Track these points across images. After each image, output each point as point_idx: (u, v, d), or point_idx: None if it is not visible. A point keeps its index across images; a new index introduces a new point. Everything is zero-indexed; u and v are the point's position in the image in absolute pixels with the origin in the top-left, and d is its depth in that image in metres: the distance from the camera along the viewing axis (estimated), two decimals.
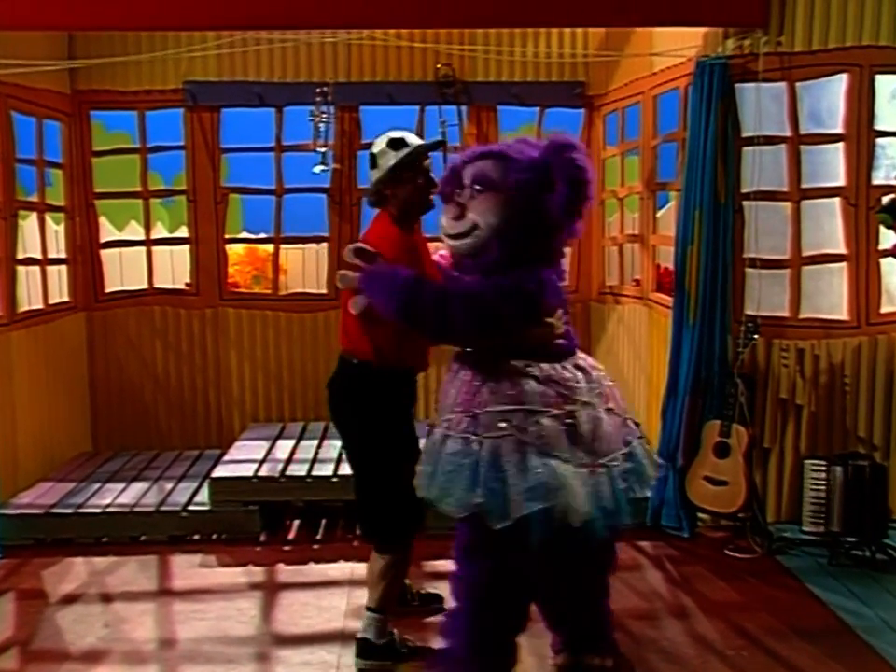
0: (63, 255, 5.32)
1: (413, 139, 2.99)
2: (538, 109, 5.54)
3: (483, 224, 2.67)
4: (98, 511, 4.24)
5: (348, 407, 3.01)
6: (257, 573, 3.91)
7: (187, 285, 5.65)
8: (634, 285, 5.37)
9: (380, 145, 2.95)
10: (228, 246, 5.89)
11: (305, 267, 6.71)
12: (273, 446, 4.86)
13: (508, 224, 2.66)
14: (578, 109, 5.59)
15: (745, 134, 4.16)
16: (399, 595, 3.23)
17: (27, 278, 5.10)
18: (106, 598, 3.64)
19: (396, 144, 2.93)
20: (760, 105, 4.10)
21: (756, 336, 4.11)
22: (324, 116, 5.34)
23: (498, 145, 3.02)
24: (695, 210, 4.15)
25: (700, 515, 4.27)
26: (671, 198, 5.58)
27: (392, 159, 2.91)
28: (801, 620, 3.38)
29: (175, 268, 6.15)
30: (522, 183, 2.68)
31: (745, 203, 4.18)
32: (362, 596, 3.49)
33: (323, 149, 5.34)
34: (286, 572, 3.91)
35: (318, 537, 4.33)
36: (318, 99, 5.28)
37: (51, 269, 5.23)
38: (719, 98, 4.09)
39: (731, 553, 4.00)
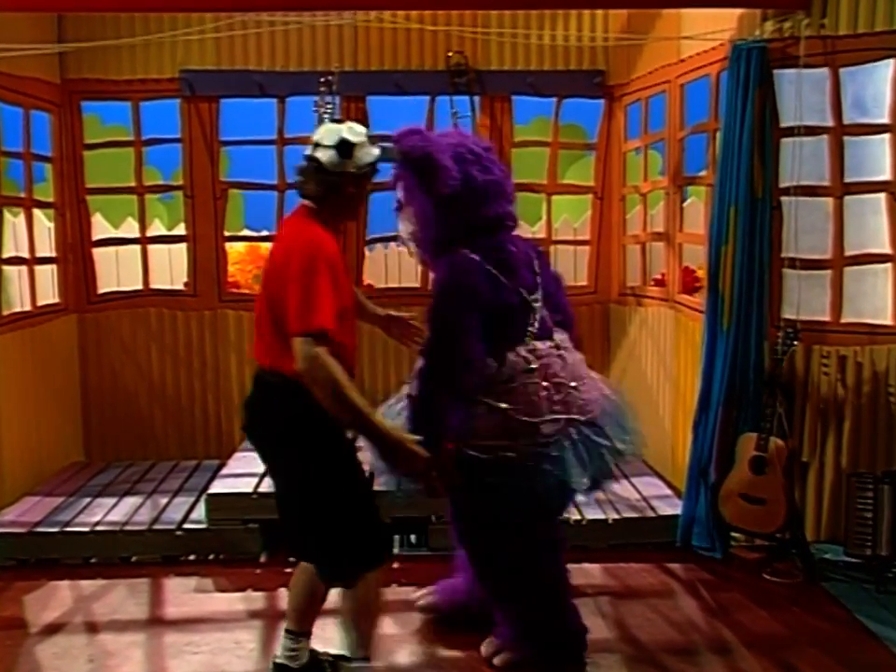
0: (53, 253, 5.04)
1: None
2: (554, 100, 5.24)
3: (408, 236, 2.95)
4: (86, 529, 3.96)
5: (281, 429, 2.60)
6: (257, 599, 3.62)
7: (185, 285, 5.36)
8: (652, 284, 5.08)
9: (358, 136, 2.63)
10: (228, 244, 5.62)
11: None
12: None
13: (419, 227, 2.88)
14: (597, 100, 5.28)
15: (784, 124, 3.86)
16: None
17: (18, 278, 4.83)
18: (92, 628, 3.36)
19: (372, 140, 2.68)
20: (800, 93, 3.79)
21: (796, 342, 3.81)
22: (329, 107, 5.03)
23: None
24: (730, 207, 3.84)
25: (733, 535, 3.97)
26: (690, 193, 5.30)
27: (370, 157, 2.64)
28: (852, 655, 3.09)
29: (173, 267, 5.86)
30: (411, 190, 2.86)
31: (783, 198, 3.88)
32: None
33: None
34: (286, 598, 3.61)
35: None
36: (323, 89, 4.95)
37: (42, 268, 4.95)
38: (756, 85, 3.78)
39: (769, 578, 3.70)
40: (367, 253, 5.34)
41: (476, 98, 5.16)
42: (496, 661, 2.99)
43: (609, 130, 5.28)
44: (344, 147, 2.59)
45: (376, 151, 2.66)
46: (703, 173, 4.48)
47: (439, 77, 5.09)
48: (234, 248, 6.59)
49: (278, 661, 2.82)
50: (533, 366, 2.78)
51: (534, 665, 2.95)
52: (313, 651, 2.87)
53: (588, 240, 5.40)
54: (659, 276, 5.13)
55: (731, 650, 3.14)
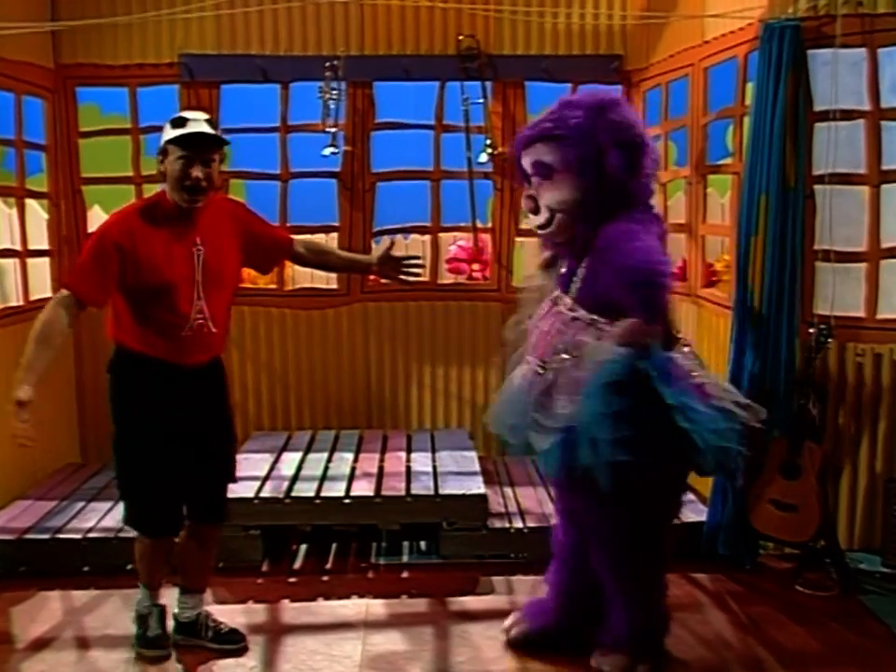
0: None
1: (198, 118, 2.86)
2: (569, 86, 4.99)
3: (559, 208, 2.77)
4: (79, 536, 3.74)
5: (111, 389, 2.99)
6: (257, 612, 3.41)
7: None
8: None
9: (166, 130, 2.84)
10: None
11: None
12: (277, 460, 4.36)
13: (581, 200, 2.74)
14: (614, 85, 5.03)
15: (818, 108, 3.63)
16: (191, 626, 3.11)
17: (14, 271, 4.62)
18: (83, 643, 3.15)
19: (178, 122, 2.82)
20: (835, 75, 3.57)
21: (829, 339, 3.59)
22: (334, 93, 4.85)
23: (545, 118, 2.87)
24: (760, 195, 3.62)
25: (762, 543, 3.76)
26: (708, 183, 5.05)
27: (165, 135, 2.82)
28: None
29: None
30: (573, 160, 2.73)
31: (817, 187, 3.66)
32: (380, 643, 3.05)
33: (333, 130, 4.84)
34: (291, 611, 3.41)
35: (328, 566, 3.83)
36: (328, 74, 4.76)
37: (37, 262, 4.75)
38: (788, 67, 3.55)
39: (802, 590, 3.49)
40: (374, 246, 5.13)
41: (488, 84, 4.94)
42: (606, 667, 2.84)
43: None
44: (160, 147, 2.85)
45: (176, 132, 2.79)
46: (728, 160, 4.25)
47: (449, 62, 4.87)
48: None
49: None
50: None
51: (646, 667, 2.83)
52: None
53: None
54: (676, 270, 4.90)
55: (765, 668, 2.92)
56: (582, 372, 2.64)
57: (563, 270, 2.93)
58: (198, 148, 2.78)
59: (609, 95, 2.88)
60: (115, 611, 3.37)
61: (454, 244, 6.25)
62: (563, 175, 2.74)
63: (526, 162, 2.84)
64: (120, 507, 3.99)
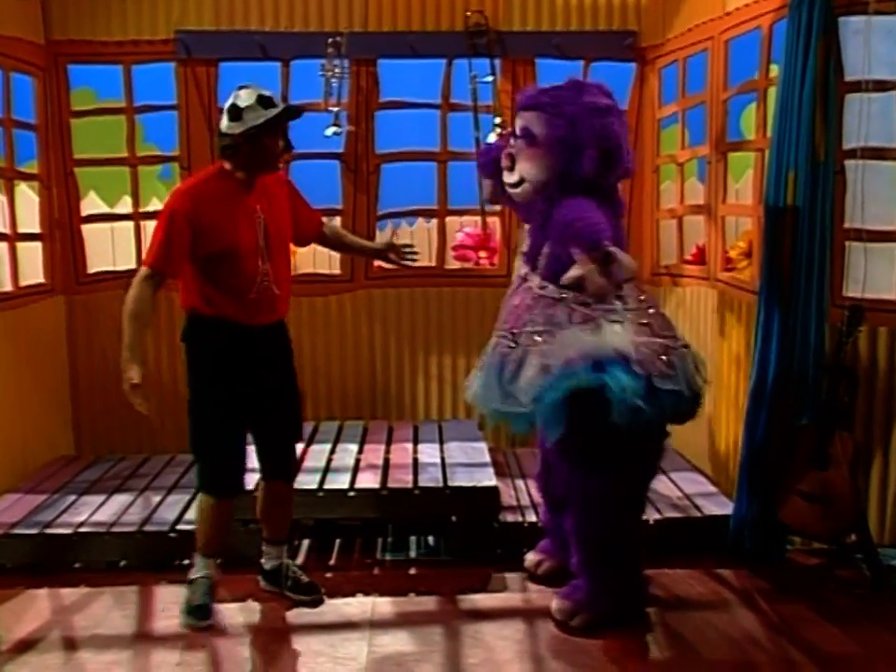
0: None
1: (278, 100, 3.02)
2: (581, 63, 4.82)
3: (528, 178, 3.02)
4: (69, 531, 3.56)
5: (187, 356, 3.22)
6: (258, 611, 3.23)
7: None
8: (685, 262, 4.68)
9: (248, 99, 2.93)
10: None
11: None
12: None
13: (547, 179, 2.98)
14: (628, 63, 4.86)
15: (849, 79, 3.44)
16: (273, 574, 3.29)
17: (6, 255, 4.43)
18: (70, 644, 2.97)
19: (266, 102, 2.94)
20: (869, 43, 3.37)
21: (861, 323, 3.39)
22: (337, 71, 4.67)
23: (551, 90, 3.09)
24: (788, 171, 3.42)
25: (791, 538, 3.57)
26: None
27: (261, 118, 2.90)
28: None
29: None
30: (555, 142, 2.95)
31: (847, 162, 3.46)
32: (387, 644, 2.87)
33: (335, 109, 4.67)
34: (293, 609, 3.22)
35: (332, 562, 3.64)
36: (330, 51, 4.59)
37: (29, 246, 4.56)
38: (819, 35, 3.35)
39: (834, 587, 3.30)
40: (377, 231, 4.94)
41: (497, 61, 4.75)
42: (575, 622, 2.99)
43: (640, 96, 4.86)
44: (233, 112, 2.93)
45: (266, 112, 2.90)
46: (753, 137, 4.05)
47: (456, 39, 4.68)
48: None
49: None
50: None
51: (608, 626, 2.96)
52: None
53: None
54: (693, 253, 4.72)
55: None
56: (551, 350, 2.85)
57: (525, 248, 3.14)
58: (283, 125, 2.99)
59: (607, 102, 3.05)
60: (106, 610, 3.19)
61: (460, 230, 6.06)
62: (541, 150, 2.97)
63: (518, 122, 3.08)
64: (113, 500, 3.89)
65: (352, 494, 3.63)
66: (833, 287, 3.50)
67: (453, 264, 5.38)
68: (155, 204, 5.56)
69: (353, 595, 3.31)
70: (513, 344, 2.95)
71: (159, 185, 5.78)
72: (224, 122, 2.96)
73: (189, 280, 3.04)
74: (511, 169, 3.08)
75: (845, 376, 3.43)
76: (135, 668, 2.82)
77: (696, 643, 2.88)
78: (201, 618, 3.07)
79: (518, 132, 3.07)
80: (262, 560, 3.32)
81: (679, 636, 2.96)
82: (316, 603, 3.20)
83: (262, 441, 3.18)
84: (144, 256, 3.12)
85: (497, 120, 4.75)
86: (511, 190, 3.14)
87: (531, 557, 3.45)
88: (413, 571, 3.53)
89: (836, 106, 3.42)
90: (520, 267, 3.15)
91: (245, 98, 2.93)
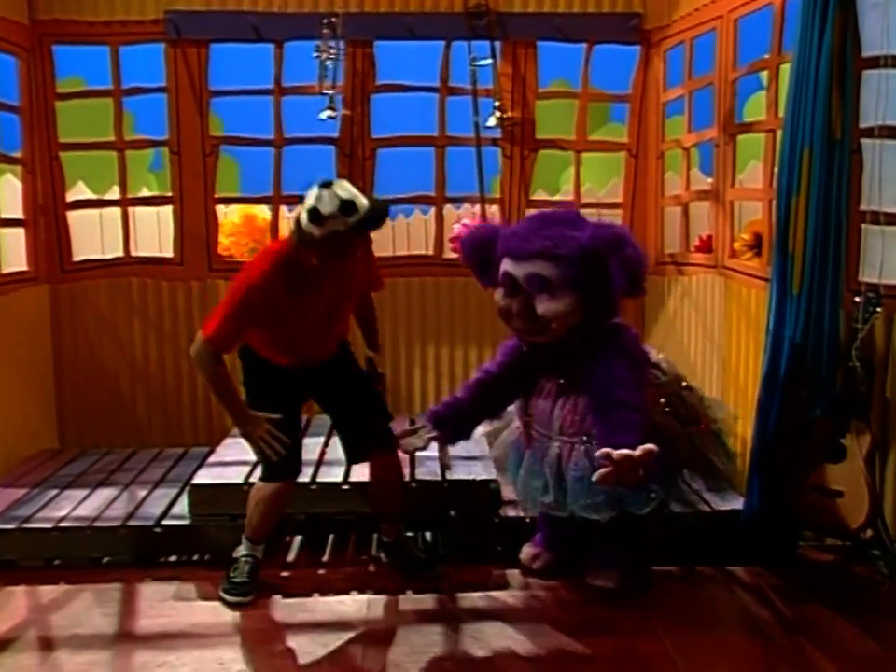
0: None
1: (362, 201, 2.83)
2: (584, 46, 4.68)
3: (555, 318, 2.91)
4: (49, 525, 3.39)
5: (242, 373, 3.20)
6: (245, 609, 3.06)
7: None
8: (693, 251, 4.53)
9: (330, 205, 2.78)
10: (222, 214, 5.09)
11: None
12: None
13: (581, 316, 2.93)
14: (632, 46, 4.73)
15: (866, 54, 3.27)
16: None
17: None
18: (47, 644, 2.81)
19: (348, 209, 2.79)
20: (887, 16, 3.22)
21: (878, 309, 3.25)
22: (332, 52, 4.52)
23: (542, 238, 2.94)
24: (803, 150, 3.27)
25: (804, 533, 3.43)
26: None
27: (341, 225, 2.80)
28: None
29: (161, 234, 5.29)
30: (578, 280, 2.88)
31: (864, 140, 3.31)
32: (383, 643, 2.76)
33: (330, 92, 4.50)
34: (283, 608, 3.06)
35: (325, 559, 3.48)
36: (325, 32, 4.43)
37: (12, 233, 4.41)
38: (835, 7, 3.20)
39: (850, 585, 3.15)
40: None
41: (497, 43, 4.61)
42: (629, 584, 3.08)
43: (644, 80, 4.72)
44: (315, 216, 2.79)
45: (346, 219, 2.77)
46: (764, 117, 3.90)
47: (455, 20, 4.54)
48: (229, 219, 6.04)
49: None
50: None
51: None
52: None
53: (620, 202, 4.85)
54: (696, 245, 4.57)
55: None
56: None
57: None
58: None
59: (620, 232, 3.04)
60: (86, 608, 3.02)
61: (458, 222, 5.91)
62: (562, 289, 2.88)
63: (519, 272, 2.93)
64: (97, 495, 3.73)
65: (346, 487, 3.47)
66: (849, 272, 3.35)
67: (451, 254, 5.23)
68: (145, 193, 5.43)
69: (347, 591, 3.15)
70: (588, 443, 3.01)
71: (149, 176, 5.63)
72: (304, 219, 2.83)
73: (248, 337, 3.07)
74: (531, 319, 2.96)
75: (860, 365, 3.28)
76: (116, 669, 2.66)
77: (710, 643, 2.73)
78: (244, 594, 3.04)
79: (524, 282, 2.93)
80: (382, 536, 3.34)
81: (691, 635, 2.81)
82: (431, 580, 3.21)
83: (344, 421, 3.23)
84: (206, 321, 3.00)
85: (497, 104, 4.61)
86: (528, 337, 3.06)
87: (527, 550, 3.34)
88: None
89: (853, 83, 3.26)
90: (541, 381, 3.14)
91: (327, 203, 2.78)
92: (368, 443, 3.19)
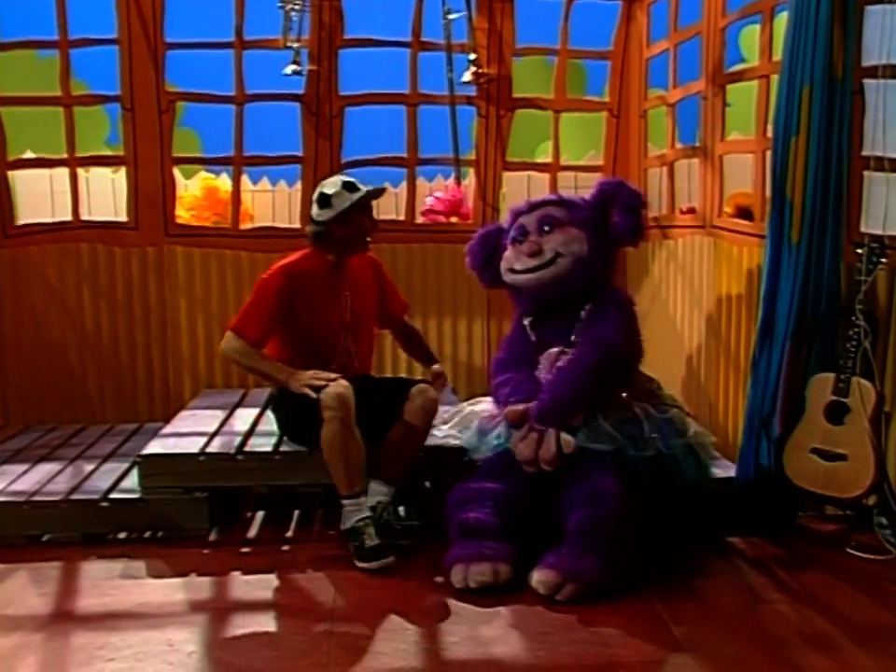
0: None
1: (360, 184, 3.20)
2: (563, 1, 4.45)
3: (566, 251, 3.05)
4: None
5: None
6: (201, 587, 2.77)
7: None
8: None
9: (334, 187, 3.16)
10: (183, 187, 4.81)
11: (276, 200, 5.59)
12: (229, 416, 3.73)
13: (588, 251, 3.05)
14: (613, 1, 4.50)
15: None
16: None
17: None
18: None
19: (351, 187, 3.16)
20: None
21: (883, 261, 3.05)
22: (297, 3, 4.26)
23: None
24: (803, 88, 3.06)
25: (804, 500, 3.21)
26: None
27: (347, 201, 3.13)
28: None
29: (117, 201, 4.98)
30: (587, 219, 3.09)
31: (867, 81, 3.11)
32: (353, 623, 2.52)
33: (295, 46, 4.28)
34: (243, 586, 2.78)
35: (289, 535, 3.21)
36: None
37: None
38: None
39: (856, 553, 2.94)
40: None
41: None
42: (561, 595, 2.62)
43: (626, 36, 4.50)
44: (323, 200, 3.16)
45: (351, 195, 3.13)
46: (753, 60, 3.69)
47: None
48: (189, 192, 5.75)
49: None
50: None
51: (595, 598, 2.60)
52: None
53: (601, 166, 4.62)
54: (693, 204, 4.35)
55: (838, 647, 2.34)
56: None
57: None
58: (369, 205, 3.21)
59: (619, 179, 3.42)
60: (19, 588, 2.72)
61: (430, 195, 5.66)
62: (571, 227, 3.07)
63: (530, 220, 3.13)
64: (38, 469, 3.41)
65: (311, 457, 3.19)
66: (850, 222, 3.15)
67: (422, 218, 4.99)
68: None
69: (314, 570, 2.87)
70: None
71: (105, 150, 5.29)
72: (315, 211, 3.17)
73: (273, 350, 3.20)
74: (538, 253, 3.06)
75: (863, 319, 3.07)
76: (48, 652, 2.36)
77: (711, 617, 2.50)
78: (381, 556, 2.85)
79: (534, 226, 3.11)
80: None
81: (692, 609, 2.57)
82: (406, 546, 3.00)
83: (368, 402, 3.07)
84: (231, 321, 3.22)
85: (472, 57, 4.36)
86: (531, 275, 3.08)
87: (478, 569, 2.74)
88: None
89: (856, 18, 3.06)
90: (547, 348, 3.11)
91: (330, 186, 3.16)
92: (402, 389, 3.17)
